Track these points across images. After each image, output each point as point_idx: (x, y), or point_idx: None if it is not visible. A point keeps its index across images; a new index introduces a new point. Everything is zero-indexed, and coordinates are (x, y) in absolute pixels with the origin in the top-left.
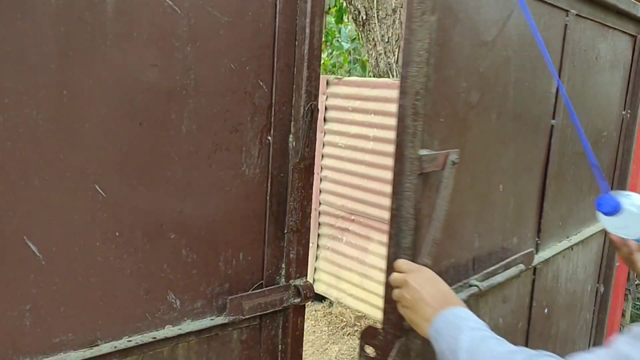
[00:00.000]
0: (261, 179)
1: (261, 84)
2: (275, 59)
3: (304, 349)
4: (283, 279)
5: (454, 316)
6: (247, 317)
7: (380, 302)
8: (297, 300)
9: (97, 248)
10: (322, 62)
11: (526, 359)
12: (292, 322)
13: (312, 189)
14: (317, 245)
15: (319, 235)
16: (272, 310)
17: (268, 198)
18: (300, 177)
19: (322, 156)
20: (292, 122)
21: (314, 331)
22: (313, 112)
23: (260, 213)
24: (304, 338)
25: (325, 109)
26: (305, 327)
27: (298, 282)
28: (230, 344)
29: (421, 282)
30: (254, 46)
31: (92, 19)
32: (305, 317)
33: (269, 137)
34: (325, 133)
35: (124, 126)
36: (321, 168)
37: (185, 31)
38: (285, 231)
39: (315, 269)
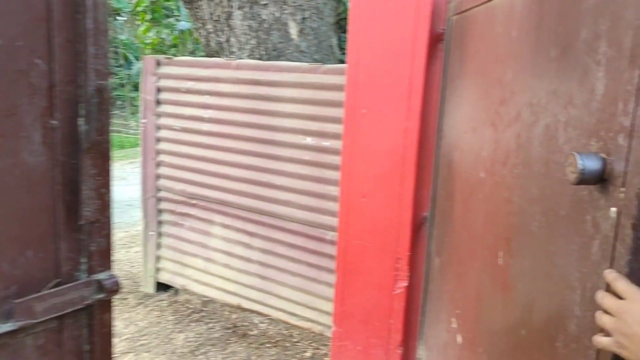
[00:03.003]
0: (47, 167)
1: (38, 61)
2: (55, 34)
3: (147, 340)
4: (84, 274)
5: None
6: (41, 320)
7: (226, 285)
8: (101, 295)
9: None
10: (150, 41)
11: None
12: (98, 320)
13: (109, 175)
14: (159, 234)
15: (160, 222)
16: (72, 309)
17: (58, 187)
18: (94, 164)
19: (158, 140)
20: (82, 104)
21: (159, 322)
22: (102, 92)
23: (48, 204)
24: (148, 330)
25: (158, 90)
26: (149, 318)
27: (101, 276)
28: (24, 351)
29: None
30: (24, 19)
31: None
32: (150, 308)
33: (53, 121)
34: (159, 116)
35: None
36: (157, 153)
37: None
38: (81, 222)
39: (158, 257)
